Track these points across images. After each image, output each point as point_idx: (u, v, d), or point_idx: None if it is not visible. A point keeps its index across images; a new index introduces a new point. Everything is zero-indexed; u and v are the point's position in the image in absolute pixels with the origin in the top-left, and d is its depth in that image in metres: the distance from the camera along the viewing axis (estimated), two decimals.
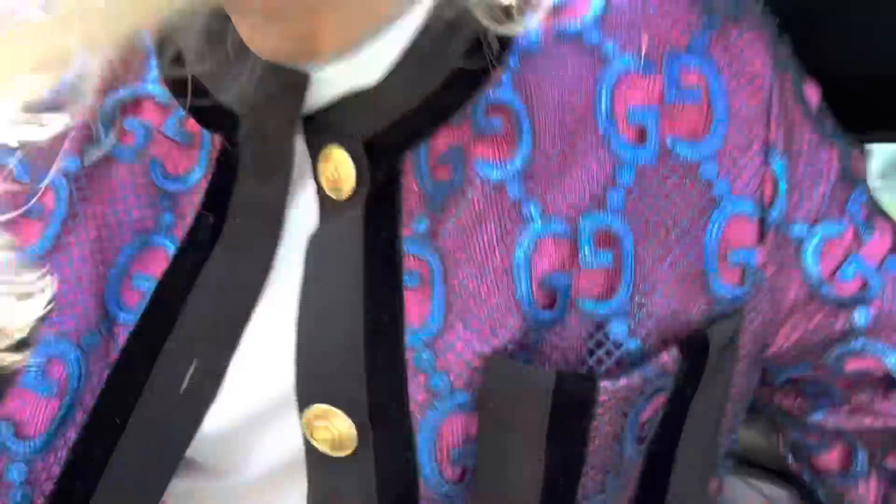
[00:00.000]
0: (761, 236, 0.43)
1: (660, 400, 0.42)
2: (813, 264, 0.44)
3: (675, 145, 0.42)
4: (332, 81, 0.41)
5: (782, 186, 0.43)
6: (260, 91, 0.42)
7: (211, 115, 0.44)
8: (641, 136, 0.42)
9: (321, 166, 0.43)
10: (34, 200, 0.44)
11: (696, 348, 0.42)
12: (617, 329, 0.41)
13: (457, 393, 0.40)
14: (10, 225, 0.44)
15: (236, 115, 0.43)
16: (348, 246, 0.42)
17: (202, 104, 0.44)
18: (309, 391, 0.41)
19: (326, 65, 0.41)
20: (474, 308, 0.41)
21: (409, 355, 0.40)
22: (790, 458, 0.53)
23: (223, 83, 0.44)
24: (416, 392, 0.40)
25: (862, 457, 0.50)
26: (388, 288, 0.41)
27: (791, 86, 0.44)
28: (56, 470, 0.42)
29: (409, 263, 0.41)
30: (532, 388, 0.39)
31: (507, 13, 0.41)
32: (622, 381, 0.40)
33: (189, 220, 0.44)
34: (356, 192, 0.42)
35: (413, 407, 0.40)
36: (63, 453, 0.42)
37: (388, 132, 0.42)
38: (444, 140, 0.42)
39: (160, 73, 0.46)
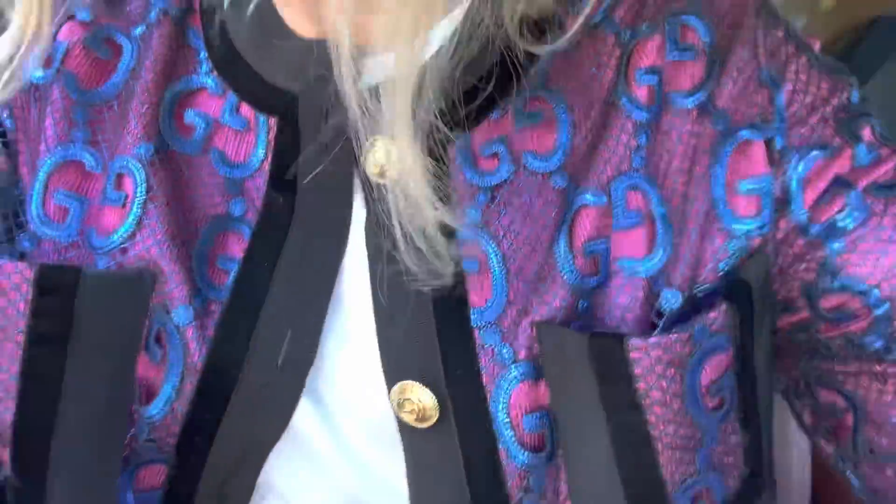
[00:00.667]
0: (771, 160, 0.44)
1: (721, 360, 0.43)
2: (797, 191, 0.44)
3: (675, 100, 0.44)
4: (374, 72, 0.43)
5: (777, 111, 0.44)
6: (316, 68, 0.44)
7: (263, 98, 0.47)
8: (651, 96, 0.44)
9: (367, 153, 0.44)
10: (112, 189, 0.47)
11: (742, 296, 0.43)
12: (659, 286, 0.43)
13: (521, 363, 0.43)
14: (94, 215, 0.47)
15: (287, 94, 0.46)
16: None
17: (254, 88, 0.47)
18: (394, 369, 0.45)
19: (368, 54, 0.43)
20: (529, 285, 0.44)
21: (476, 333, 0.44)
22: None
23: (273, 65, 0.47)
24: (487, 365, 0.43)
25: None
26: (452, 274, 0.44)
27: (782, 31, 0.46)
28: (174, 428, 0.46)
29: (467, 250, 0.44)
30: (573, 351, 0.42)
31: (540, 29, 0.44)
32: (653, 339, 0.41)
33: (258, 202, 0.46)
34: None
35: (485, 379, 0.43)
36: (179, 416, 0.45)
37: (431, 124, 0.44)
38: (487, 132, 0.45)
39: (211, 65, 0.48)
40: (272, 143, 0.47)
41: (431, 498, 0.46)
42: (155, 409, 0.46)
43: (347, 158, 0.45)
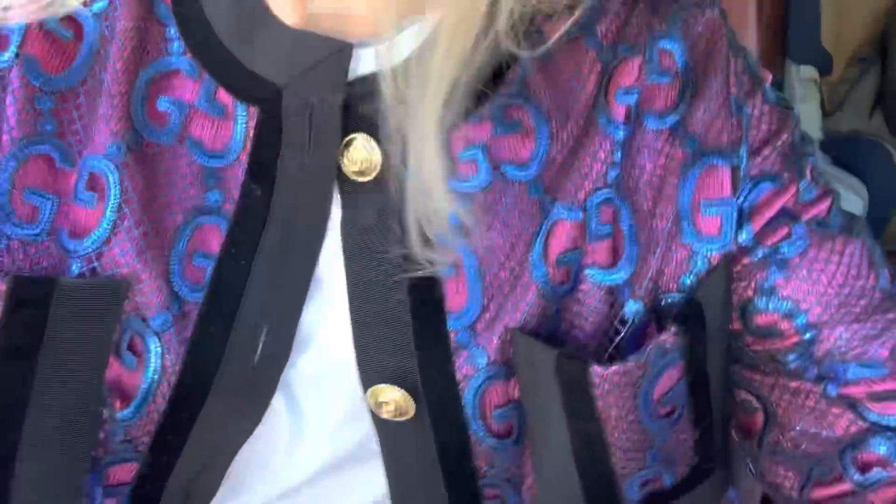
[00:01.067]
0: (734, 186, 0.47)
1: (672, 374, 0.46)
2: (748, 216, 0.48)
3: (647, 120, 0.47)
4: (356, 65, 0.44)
5: (744, 139, 0.47)
6: (301, 60, 0.44)
7: (243, 86, 0.45)
8: (627, 115, 0.46)
9: (346, 151, 0.44)
10: (84, 188, 0.45)
11: (693, 315, 0.46)
12: (624, 296, 0.46)
13: (493, 365, 0.45)
14: (65, 213, 0.45)
15: (270, 85, 0.45)
16: (384, 234, 0.45)
17: (233, 74, 0.45)
18: (370, 373, 0.45)
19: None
20: (503, 292, 0.45)
21: (451, 336, 0.45)
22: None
23: (253, 52, 0.45)
24: (461, 366, 0.45)
25: None
26: (427, 279, 0.45)
27: (743, 61, 0.48)
28: (149, 428, 0.45)
29: (444, 255, 0.45)
30: (542, 363, 0.44)
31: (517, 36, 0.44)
32: (614, 368, 0.43)
33: (235, 193, 0.45)
34: (378, 177, 0.44)
35: (459, 377, 0.45)
36: (154, 417, 0.45)
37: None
38: (466, 137, 0.45)
39: (185, 44, 0.46)
40: (251, 134, 0.45)
41: (408, 480, 0.48)
42: (130, 411, 0.45)
43: (329, 154, 0.44)
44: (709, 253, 0.47)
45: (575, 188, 0.46)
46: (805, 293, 0.48)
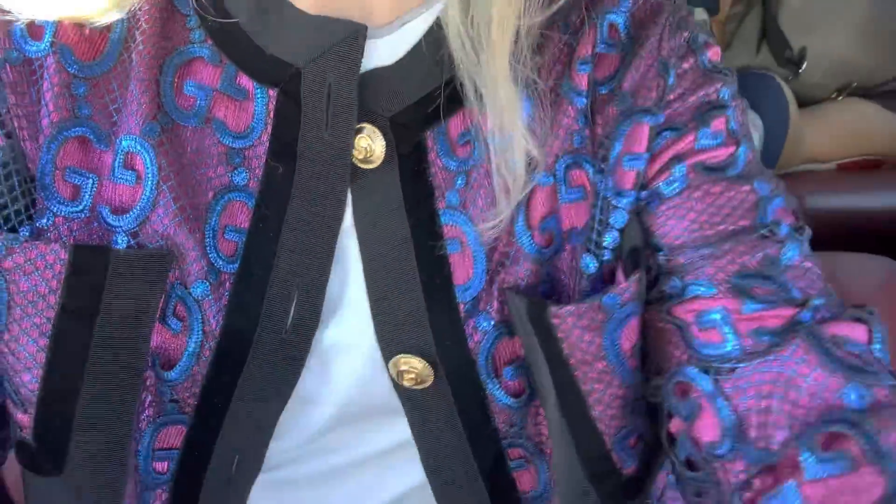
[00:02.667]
0: (649, 142, 0.51)
1: (635, 325, 0.50)
2: (647, 166, 0.51)
3: (600, 87, 0.51)
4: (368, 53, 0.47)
5: (664, 97, 0.51)
6: (317, 42, 0.47)
7: (263, 69, 0.49)
8: (588, 83, 0.51)
9: (354, 140, 0.48)
10: (121, 167, 0.48)
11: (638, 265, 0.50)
12: (586, 253, 0.50)
13: (499, 325, 0.50)
14: (105, 191, 0.48)
15: (290, 67, 0.48)
16: (394, 217, 0.49)
17: (252, 59, 0.49)
18: (390, 345, 0.50)
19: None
20: (502, 262, 0.50)
21: (461, 307, 0.49)
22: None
23: (271, 37, 0.49)
24: (471, 333, 0.50)
25: None
26: (436, 257, 0.49)
27: (683, 31, 0.52)
28: (195, 390, 0.49)
29: (449, 232, 0.49)
30: (521, 313, 0.49)
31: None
32: (568, 307, 0.48)
33: (259, 172, 0.49)
34: (383, 163, 0.49)
35: (471, 344, 0.50)
36: (199, 378, 0.49)
37: (408, 112, 0.49)
38: (462, 121, 0.50)
39: (205, 32, 0.49)
40: (271, 115, 0.49)
41: (434, 443, 0.52)
42: (176, 373, 0.49)
43: (346, 130, 0.48)
44: (629, 206, 0.50)
45: (546, 155, 0.50)
46: (670, 228, 0.50)
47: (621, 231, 0.50)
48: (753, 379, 0.47)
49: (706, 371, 0.48)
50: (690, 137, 0.50)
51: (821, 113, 1.44)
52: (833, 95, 1.47)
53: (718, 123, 0.50)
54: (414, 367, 0.50)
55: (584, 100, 0.50)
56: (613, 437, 0.51)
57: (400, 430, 0.52)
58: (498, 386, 0.51)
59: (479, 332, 0.50)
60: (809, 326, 0.47)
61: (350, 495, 0.55)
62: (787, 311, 0.48)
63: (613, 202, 0.50)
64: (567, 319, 0.48)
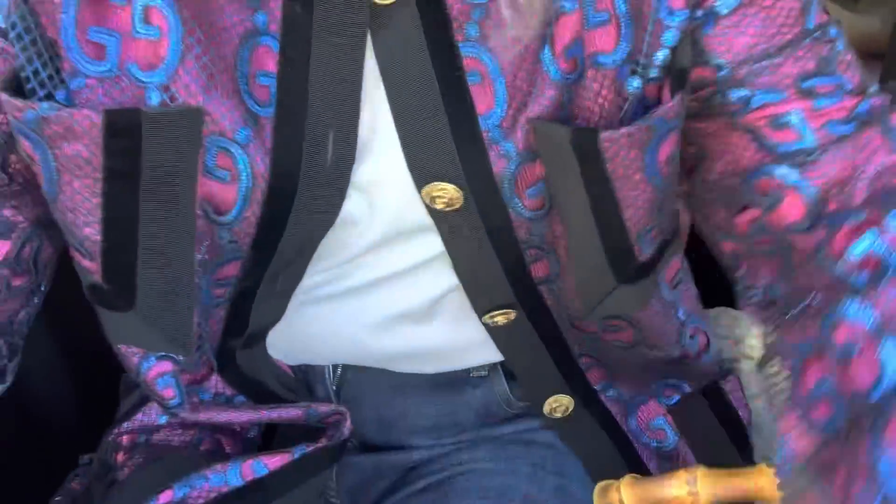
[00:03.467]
0: None
1: (674, 138, 0.53)
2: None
3: None
4: None
5: None
6: None
7: None
8: None
9: None
10: (142, 22, 0.48)
11: (685, 80, 0.52)
12: (624, 74, 0.51)
13: (522, 153, 0.52)
14: (130, 48, 0.49)
15: None
16: (415, 52, 0.50)
17: None
18: (421, 173, 0.53)
19: None
20: (523, 90, 0.51)
21: (485, 136, 0.52)
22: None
23: None
24: (495, 160, 0.53)
25: None
26: (457, 88, 0.51)
27: None
28: (251, 230, 0.53)
29: (469, 64, 0.51)
30: (560, 140, 0.51)
31: None
32: (622, 130, 0.50)
33: (278, 13, 0.49)
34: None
35: (496, 169, 0.53)
36: (253, 219, 0.53)
37: None
38: None
39: None
40: None
41: (465, 252, 0.57)
42: (231, 216, 0.53)
43: None
44: (680, 25, 0.51)
45: None
46: (729, 44, 0.52)
47: (673, 49, 0.51)
48: (834, 165, 0.53)
49: (790, 165, 0.53)
50: None
51: None
52: None
53: None
54: (445, 191, 0.53)
55: None
56: (638, 232, 0.55)
57: (433, 244, 0.57)
58: (520, 205, 0.55)
59: (504, 158, 0.53)
60: (878, 115, 0.54)
61: (388, 300, 0.61)
62: (849, 103, 0.53)
63: (666, 21, 0.50)
64: (619, 141, 0.50)
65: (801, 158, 0.53)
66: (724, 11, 0.51)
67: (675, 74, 0.52)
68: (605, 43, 0.51)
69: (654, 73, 0.51)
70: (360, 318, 0.61)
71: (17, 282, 0.57)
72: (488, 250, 0.56)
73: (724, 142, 0.55)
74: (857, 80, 0.54)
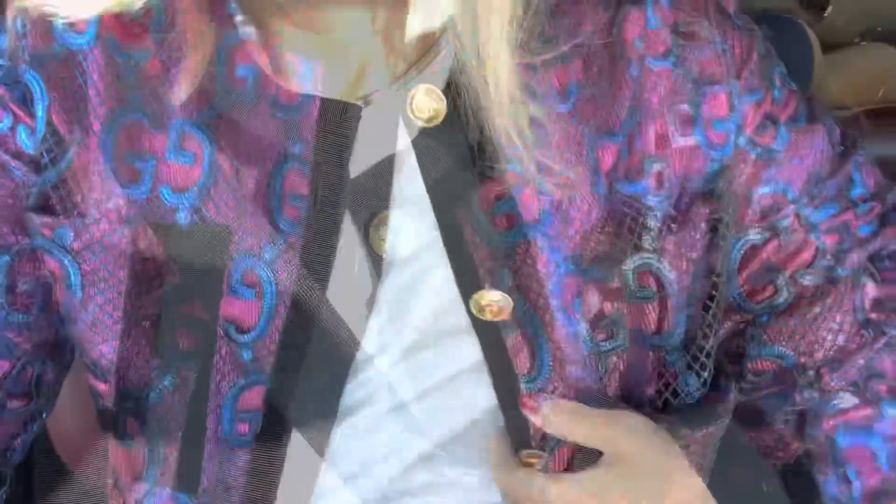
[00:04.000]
0: (730, 106, 0.55)
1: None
2: (741, 125, 0.55)
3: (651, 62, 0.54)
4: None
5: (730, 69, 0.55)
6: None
7: (307, 45, 0.50)
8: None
9: (412, 100, 0.50)
10: (178, 149, 0.50)
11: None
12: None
13: (566, 261, 0.52)
14: (163, 172, 0.50)
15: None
16: (462, 180, 0.51)
17: (296, 39, 0.50)
18: (467, 284, 0.52)
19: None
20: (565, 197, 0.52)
21: (532, 243, 0.52)
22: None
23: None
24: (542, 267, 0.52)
25: None
26: (502, 198, 0.51)
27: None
28: (273, 347, 0.52)
29: (512, 179, 0.51)
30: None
31: None
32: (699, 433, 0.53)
33: (311, 138, 0.51)
34: (445, 121, 0.51)
35: (541, 274, 0.52)
36: (276, 336, 0.51)
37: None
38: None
39: (247, 17, 0.51)
40: (318, 84, 0.51)
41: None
42: (253, 335, 0.51)
43: (395, 99, 0.50)
44: (722, 159, 0.55)
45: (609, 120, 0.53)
46: (793, 174, 0.57)
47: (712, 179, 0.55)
48: None
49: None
50: (769, 97, 0.56)
51: (842, 59, 1.42)
52: (856, 40, 1.45)
53: (777, 79, 0.56)
54: (495, 300, 0.51)
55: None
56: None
57: (468, 353, 0.53)
58: (587, 330, 0.53)
59: (546, 269, 0.52)
60: None
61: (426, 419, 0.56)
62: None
63: (708, 155, 0.54)
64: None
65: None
66: (780, 148, 0.56)
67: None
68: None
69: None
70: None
71: (13, 404, 0.55)
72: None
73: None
74: None
